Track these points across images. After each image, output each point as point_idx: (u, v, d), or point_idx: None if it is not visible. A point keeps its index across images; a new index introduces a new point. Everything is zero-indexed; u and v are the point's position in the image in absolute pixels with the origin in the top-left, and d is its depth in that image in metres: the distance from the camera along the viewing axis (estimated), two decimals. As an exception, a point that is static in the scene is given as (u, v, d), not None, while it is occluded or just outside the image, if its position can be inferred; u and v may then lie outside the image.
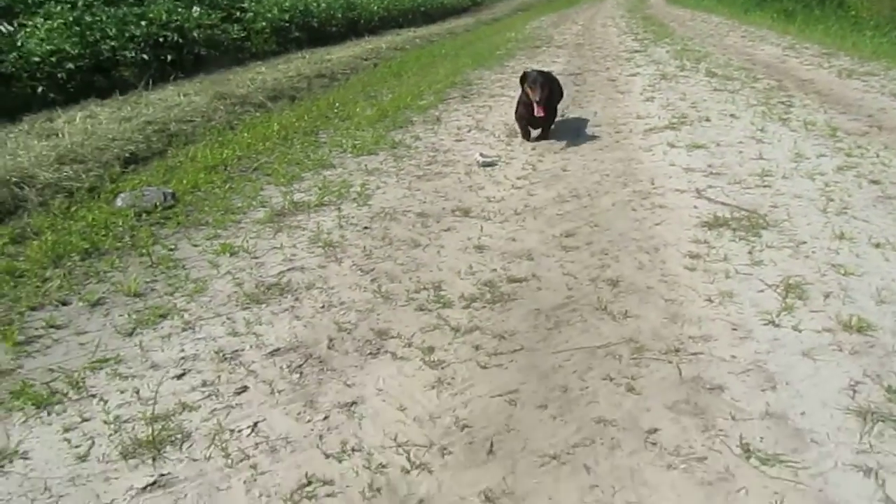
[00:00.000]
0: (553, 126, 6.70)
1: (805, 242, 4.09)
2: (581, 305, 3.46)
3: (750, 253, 3.97)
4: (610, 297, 3.53)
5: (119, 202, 4.93)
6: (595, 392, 2.78)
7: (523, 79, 6.25)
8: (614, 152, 6.06)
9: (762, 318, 3.29)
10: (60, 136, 6.30)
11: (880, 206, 4.58)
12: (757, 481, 2.31)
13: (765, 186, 5.01)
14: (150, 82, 9.24)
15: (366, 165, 5.83)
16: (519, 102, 6.46)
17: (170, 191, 5.11)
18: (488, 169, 5.69)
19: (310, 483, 2.34)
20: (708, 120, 7.18)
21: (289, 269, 3.96)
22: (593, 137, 6.54)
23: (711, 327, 3.22)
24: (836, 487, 2.28)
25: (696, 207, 4.67)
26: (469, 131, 6.89)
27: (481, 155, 5.90)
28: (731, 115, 7.37)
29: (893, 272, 3.69)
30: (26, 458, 2.52)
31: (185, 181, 5.41)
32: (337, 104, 8.53)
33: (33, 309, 3.62)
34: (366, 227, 4.55)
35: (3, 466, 2.47)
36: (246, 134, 6.87)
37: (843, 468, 2.36)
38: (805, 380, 2.82)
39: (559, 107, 6.94)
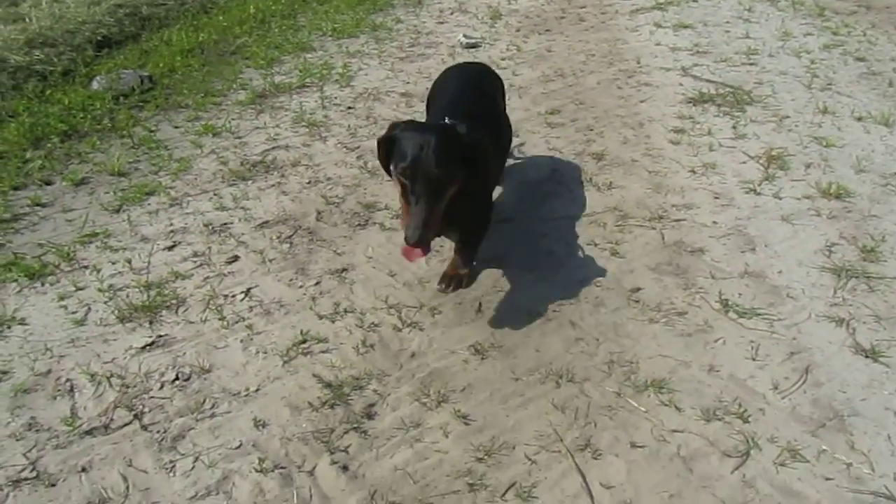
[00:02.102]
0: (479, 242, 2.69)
1: (788, 117, 4.10)
2: (566, 178, 3.49)
3: (734, 127, 3.99)
4: (595, 170, 3.56)
5: (95, 85, 4.80)
6: (580, 257, 2.85)
7: (385, 146, 2.25)
8: (600, 33, 5.94)
9: (744, 187, 3.34)
10: (28, 20, 6.05)
11: (864, 82, 4.58)
12: (734, 332, 2.42)
13: (750, 64, 4.97)
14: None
15: (347, 48, 5.69)
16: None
17: (147, 74, 4.98)
18: (472, 50, 5.58)
19: (305, 341, 2.41)
20: (695, 0, 7.01)
21: (273, 148, 3.93)
22: (579, 19, 6.39)
23: (694, 196, 3.27)
24: (808, 336, 2.39)
25: (681, 85, 4.64)
26: (452, 13, 6.70)
27: (465, 36, 5.77)
28: (719, -4, 7.18)
29: (874, 143, 3.73)
30: (24, 324, 2.56)
31: (161, 65, 5.26)
32: (314, -12, 8.20)
33: (16, 189, 3.59)
34: (349, 108, 4.49)
35: (2, 332, 2.52)
36: (221, 17, 6.64)
37: (817, 319, 2.47)
38: (783, 242, 2.90)
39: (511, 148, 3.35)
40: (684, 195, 3.28)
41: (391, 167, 2.18)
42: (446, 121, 2.35)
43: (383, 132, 2.23)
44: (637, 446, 2.00)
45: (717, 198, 3.25)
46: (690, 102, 4.34)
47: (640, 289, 2.64)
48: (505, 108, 3.20)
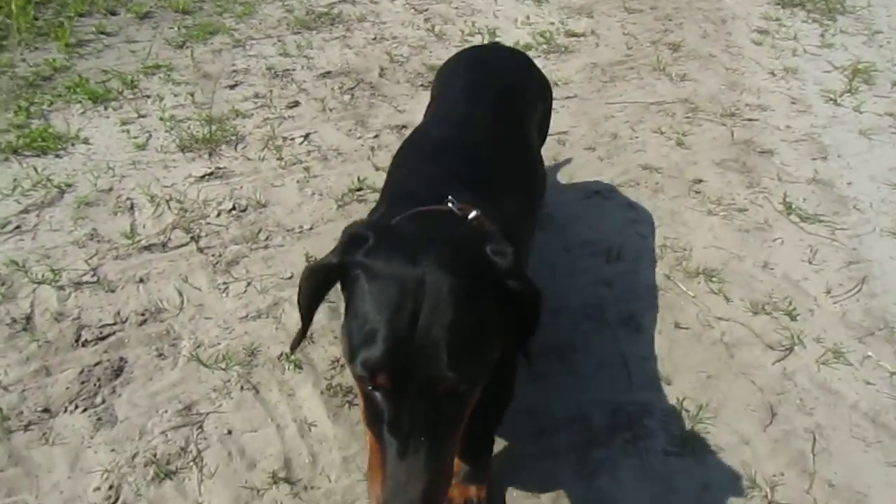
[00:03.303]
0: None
1: (881, 32, 3.87)
2: (639, 64, 3.36)
3: (822, 35, 3.78)
4: (669, 59, 3.42)
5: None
6: (644, 142, 2.78)
7: (319, 287, 1.08)
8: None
9: (824, 96, 3.19)
10: None
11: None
12: (794, 235, 2.37)
13: (849, -28, 4.65)
14: None
15: None
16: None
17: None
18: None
19: (360, 189, 2.42)
20: None
21: (340, 2, 3.82)
22: None
23: (770, 98, 3.14)
24: (869, 248, 2.34)
25: (771, -15, 4.37)
26: None
27: None
28: None
29: (969, 66, 3.51)
30: (88, 144, 2.60)
31: None
32: None
33: (81, 15, 3.56)
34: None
35: (66, 148, 2.56)
36: None
37: (881, 234, 2.40)
38: (858, 155, 2.79)
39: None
40: (760, 96, 3.15)
41: (345, 350, 0.98)
42: (449, 202, 1.19)
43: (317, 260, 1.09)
44: (681, 327, 2.00)
45: (793, 103, 3.12)
46: (779, 4, 4.10)
47: (702, 181, 2.58)
48: (546, 133, 2.09)
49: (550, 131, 2.15)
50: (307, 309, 1.08)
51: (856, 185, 2.62)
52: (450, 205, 1.18)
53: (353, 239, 0.99)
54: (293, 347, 1.21)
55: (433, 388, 0.89)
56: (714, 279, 2.16)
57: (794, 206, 2.47)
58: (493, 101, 1.69)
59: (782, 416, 1.79)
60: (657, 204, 2.45)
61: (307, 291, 1.05)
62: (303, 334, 1.15)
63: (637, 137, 2.79)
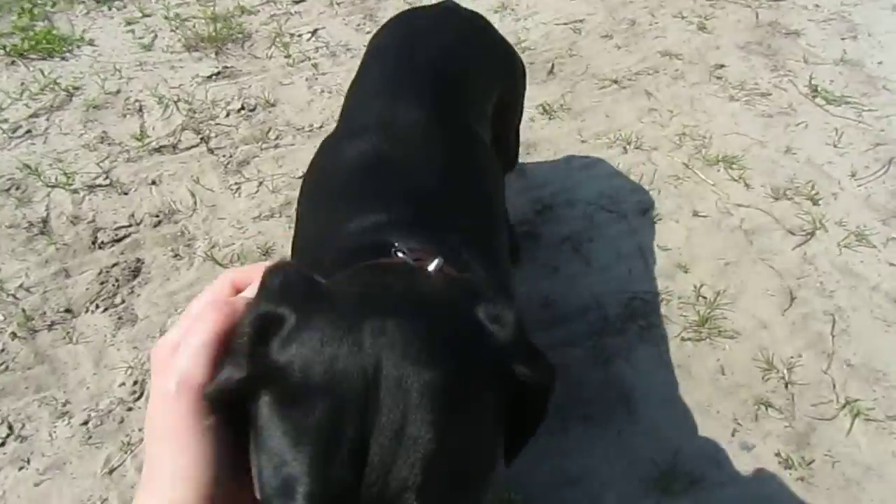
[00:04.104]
0: None
1: None
2: (659, -55, 3.18)
3: None
4: (692, -61, 3.23)
5: None
6: (664, 28, 2.66)
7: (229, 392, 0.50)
8: None
9: (856, -29, 3.01)
10: None
11: None
12: (819, 118, 2.29)
13: None
14: None
15: None
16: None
17: None
18: None
19: (370, 84, 2.35)
20: None
21: None
22: None
23: (799, -24, 2.98)
24: (898, 130, 2.26)
25: None
26: None
27: None
28: None
29: None
30: (93, 45, 2.54)
31: None
32: None
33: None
34: None
35: (72, 50, 2.51)
36: None
37: (910, 113, 2.31)
38: (889, 33, 2.66)
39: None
40: (788, -26, 2.98)
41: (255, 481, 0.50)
42: (396, 251, 0.80)
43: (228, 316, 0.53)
44: (699, 215, 1.97)
45: (823, -20, 2.95)
46: None
47: (723, 66, 2.48)
48: (514, 122, 1.72)
49: (565, 19, 2.07)
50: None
51: (886, 65, 2.50)
52: (399, 254, 0.81)
53: (261, 327, 0.51)
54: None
55: None
56: (734, 166, 2.10)
57: (819, 89, 2.38)
58: (428, 94, 1.23)
59: (801, 300, 1.78)
60: (676, 91, 2.37)
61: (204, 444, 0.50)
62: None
63: (656, 23, 2.68)
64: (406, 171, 1.11)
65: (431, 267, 0.73)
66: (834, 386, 1.61)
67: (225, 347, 0.50)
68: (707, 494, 1.44)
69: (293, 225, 1.78)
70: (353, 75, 1.39)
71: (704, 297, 1.76)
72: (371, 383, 0.48)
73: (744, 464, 1.49)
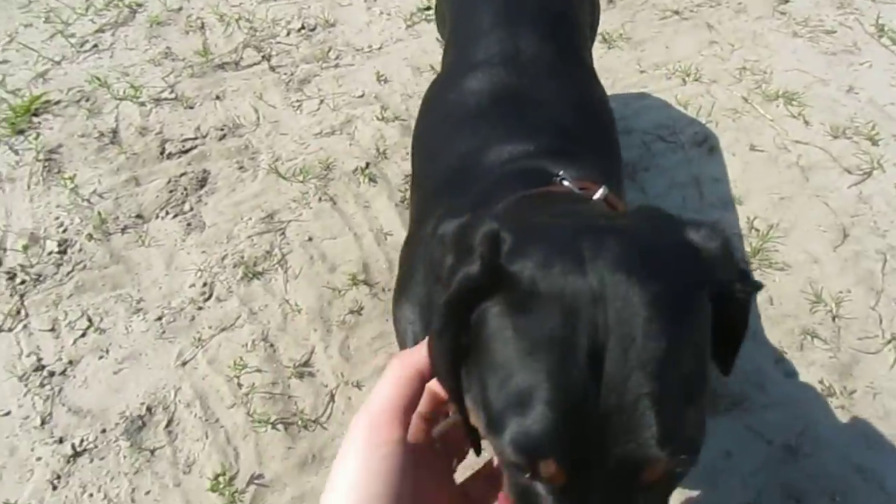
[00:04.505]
0: None
1: None
2: None
3: None
4: None
5: None
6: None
7: (451, 326, 0.54)
8: None
9: None
10: None
11: None
12: (884, 58, 2.25)
13: None
14: None
15: None
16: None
17: None
18: None
19: (429, 7, 2.36)
20: None
21: None
22: None
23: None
24: (965, 72, 2.21)
25: None
26: None
27: None
28: None
29: None
30: (154, -39, 2.56)
31: None
32: None
33: None
34: None
35: (133, -34, 2.53)
36: None
37: (980, 57, 2.26)
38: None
39: None
40: None
41: (479, 416, 0.54)
42: (560, 179, 0.86)
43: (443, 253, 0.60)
44: (756, 150, 1.97)
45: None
46: None
47: (788, 1, 2.43)
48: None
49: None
50: (449, 368, 0.55)
51: (959, 6, 2.43)
52: (565, 183, 0.83)
53: (492, 238, 0.54)
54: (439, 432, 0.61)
55: (635, 477, 0.49)
56: (794, 102, 2.09)
57: (886, 29, 2.33)
58: (545, 27, 1.24)
59: (854, 238, 1.79)
60: (738, 25, 2.34)
61: (446, 338, 0.54)
62: (462, 414, 0.56)
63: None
64: (539, 102, 1.13)
65: (597, 195, 0.76)
66: (881, 321, 1.64)
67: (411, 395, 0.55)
68: (749, 415, 1.49)
69: (353, 141, 1.82)
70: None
71: (757, 230, 1.78)
72: (598, 296, 0.49)
73: (787, 389, 1.53)
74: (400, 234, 1.76)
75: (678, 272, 0.52)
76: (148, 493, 1.40)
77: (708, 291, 0.54)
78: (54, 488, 1.40)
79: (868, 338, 1.62)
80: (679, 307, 0.51)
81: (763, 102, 2.09)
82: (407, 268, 1.09)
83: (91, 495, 1.40)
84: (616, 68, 2.17)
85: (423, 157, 1.24)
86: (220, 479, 1.40)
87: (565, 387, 0.48)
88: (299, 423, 1.48)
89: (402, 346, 1.08)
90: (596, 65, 1.98)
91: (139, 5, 2.38)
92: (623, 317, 0.48)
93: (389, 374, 0.55)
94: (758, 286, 0.58)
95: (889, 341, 1.61)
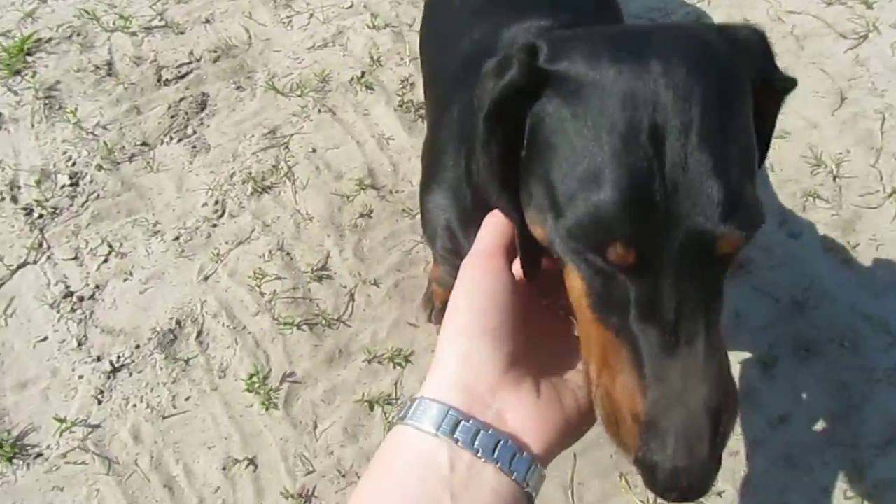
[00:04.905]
0: None
1: None
2: None
3: None
4: None
5: None
6: None
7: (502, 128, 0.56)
8: None
9: None
10: None
11: None
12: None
13: None
14: None
15: None
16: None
17: None
18: None
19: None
20: None
21: None
22: None
23: None
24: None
25: None
26: None
27: None
28: None
29: None
30: None
31: None
32: None
33: None
34: None
35: None
36: None
37: None
38: None
39: None
40: None
41: (534, 213, 0.56)
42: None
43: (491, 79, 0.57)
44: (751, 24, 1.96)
45: None
46: None
47: None
48: None
49: None
50: (500, 183, 0.57)
51: None
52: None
53: (531, 48, 0.55)
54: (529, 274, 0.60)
55: (703, 252, 0.51)
56: (786, -28, 2.06)
57: None
58: None
59: (852, 100, 1.80)
60: None
61: (491, 153, 0.56)
62: (522, 233, 0.57)
63: None
64: None
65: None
66: (881, 177, 1.67)
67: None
68: (755, 277, 1.54)
69: (346, 52, 1.82)
70: None
71: (755, 101, 1.79)
72: (652, 78, 0.50)
73: (791, 248, 1.57)
74: (401, 137, 1.78)
75: (726, 57, 0.54)
76: (188, 398, 1.47)
77: (755, 80, 0.56)
78: (99, 402, 1.48)
79: (869, 194, 1.65)
80: (730, 88, 0.53)
81: (755, -26, 2.07)
82: (433, 155, 1.10)
83: (135, 406, 1.48)
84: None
85: (435, 54, 1.24)
86: (255, 378, 1.47)
87: (631, 164, 0.49)
88: (323, 322, 1.53)
89: (433, 236, 1.10)
90: None
91: (117, -63, 2.35)
92: (679, 95, 0.50)
93: (486, 223, 0.59)
94: (794, 81, 0.61)
95: (890, 194, 1.64)
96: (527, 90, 0.54)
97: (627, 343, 0.53)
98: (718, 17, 1.97)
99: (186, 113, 1.87)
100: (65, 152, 1.81)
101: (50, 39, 2.03)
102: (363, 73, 1.91)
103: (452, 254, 1.09)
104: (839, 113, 1.78)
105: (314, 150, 1.79)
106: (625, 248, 0.50)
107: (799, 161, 1.70)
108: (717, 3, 2.01)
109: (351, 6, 2.07)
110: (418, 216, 1.64)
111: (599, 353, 0.55)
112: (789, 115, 1.77)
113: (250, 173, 1.75)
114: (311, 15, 2.06)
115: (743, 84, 0.54)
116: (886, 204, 1.63)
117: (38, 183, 1.75)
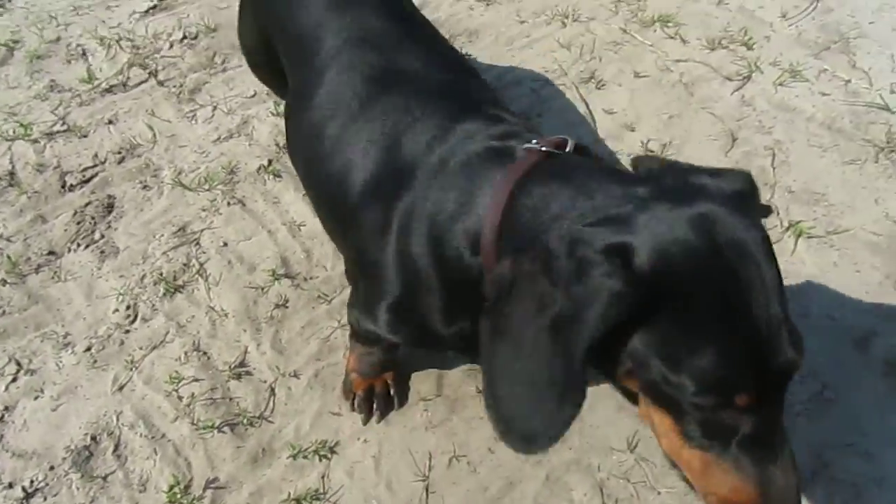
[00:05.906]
0: None
1: None
2: None
3: None
4: None
5: None
6: None
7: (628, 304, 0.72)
8: None
9: None
10: None
11: None
12: (748, -35, 2.33)
13: None
14: None
15: None
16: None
17: None
18: None
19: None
20: None
21: None
22: None
23: None
24: (826, -34, 2.30)
25: None
26: None
27: None
28: None
29: None
30: (23, -3, 2.52)
31: None
32: None
33: None
34: None
35: (4, 5, 2.49)
36: None
37: (837, -51, 2.35)
38: None
39: None
40: None
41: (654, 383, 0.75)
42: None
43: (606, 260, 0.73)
44: (640, 76, 2.04)
45: None
46: None
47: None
48: None
49: None
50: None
51: None
52: (542, 149, 0.96)
53: (617, 251, 0.71)
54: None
55: (790, 375, 0.73)
56: (670, 24, 2.16)
57: (748, -63, 2.41)
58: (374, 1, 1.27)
59: (742, 140, 1.88)
60: (608, -42, 2.40)
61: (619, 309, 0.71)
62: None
63: None
64: (414, 73, 1.14)
65: (568, 148, 0.98)
66: (777, 213, 1.73)
67: None
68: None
69: (252, 141, 1.83)
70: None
71: (652, 151, 1.86)
72: (727, 261, 0.71)
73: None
74: (312, 222, 1.79)
75: (754, 215, 0.78)
76: (107, 518, 1.42)
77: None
78: (13, 533, 1.41)
79: (768, 229, 1.70)
80: (767, 241, 0.75)
81: (641, 30, 2.16)
82: (370, 276, 1.08)
83: (51, 532, 1.42)
84: (497, 23, 2.21)
85: (326, 153, 1.16)
86: (176, 489, 1.42)
87: (742, 333, 0.69)
88: (244, 421, 1.51)
89: (365, 352, 1.34)
90: (477, 23, 2.05)
91: (16, 42, 2.34)
92: (746, 264, 0.70)
93: None
94: (770, 208, 0.92)
95: (787, 228, 1.70)
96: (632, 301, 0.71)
97: (723, 463, 0.74)
98: (611, 72, 2.05)
99: (93, 217, 1.85)
100: (-33, 271, 1.77)
101: (-53, 155, 2.00)
102: (270, 161, 1.92)
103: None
104: (732, 153, 1.85)
105: (225, 244, 1.78)
106: (747, 396, 0.71)
107: (698, 206, 1.75)
108: (607, 59, 2.09)
109: (254, 95, 2.09)
110: (334, 301, 1.64)
111: (700, 475, 0.77)
112: (685, 160, 1.83)
113: (161, 274, 1.73)
114: (215, 107, 2.07)
115: (765, 230, 0.76)
116: (785, 238, 1.69)
117: (-60, 306, 1.69)
